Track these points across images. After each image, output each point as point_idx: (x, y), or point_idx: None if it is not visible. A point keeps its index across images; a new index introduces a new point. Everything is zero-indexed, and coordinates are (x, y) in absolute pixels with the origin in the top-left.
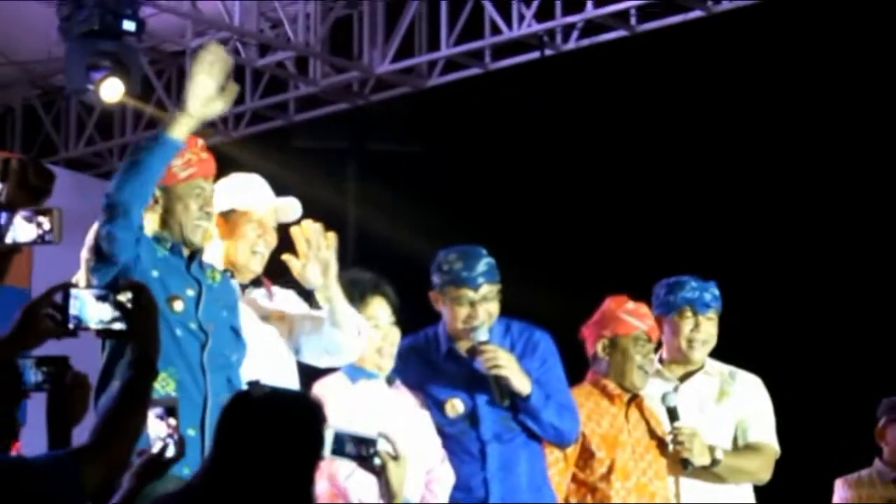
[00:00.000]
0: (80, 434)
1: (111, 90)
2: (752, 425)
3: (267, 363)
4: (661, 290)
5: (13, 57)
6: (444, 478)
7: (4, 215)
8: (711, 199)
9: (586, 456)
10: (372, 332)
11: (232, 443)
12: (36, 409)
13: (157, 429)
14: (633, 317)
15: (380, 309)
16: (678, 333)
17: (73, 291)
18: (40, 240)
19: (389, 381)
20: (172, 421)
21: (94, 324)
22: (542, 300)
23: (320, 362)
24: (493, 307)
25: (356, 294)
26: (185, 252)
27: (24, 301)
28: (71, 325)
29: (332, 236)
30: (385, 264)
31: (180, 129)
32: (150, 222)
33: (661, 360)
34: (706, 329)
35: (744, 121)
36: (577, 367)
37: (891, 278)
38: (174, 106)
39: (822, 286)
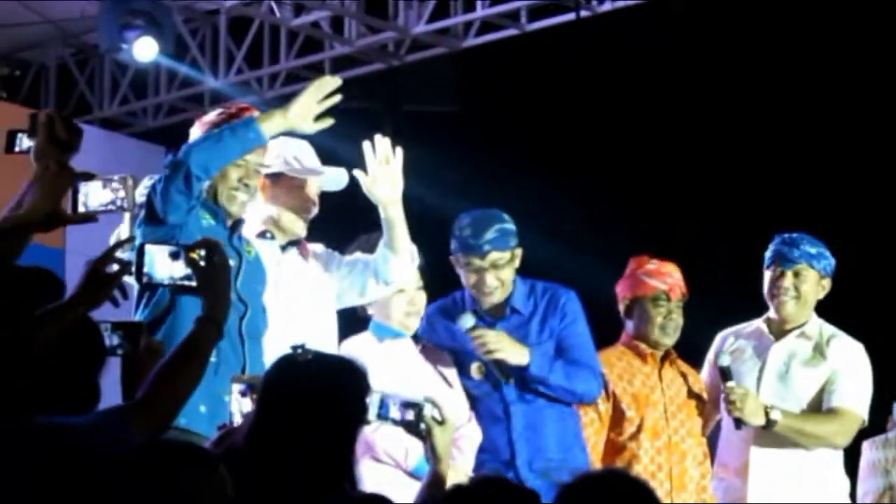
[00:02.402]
0: None
1: (145, 49)
2: (837, 390)
3: (302, 324)
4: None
5: (47, 15)
6: (472, 435)
7: (80, 184)
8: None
9: (617, 415)
10: (399, 296)
11: (275, 407)
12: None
13: (239, 404)
14: (652, 276)
15: None
16: (768, 286)
17: (146, 247)
18: (114, 206)
19: (416, 340)
20: (255, 397)
21: (165, 280)
22: (572, 261)
23: (366, 295)
24: (505, 273)
25: None
26: (229, 223)
27: (56, 261)
28: (143, 281)
29: (399, 152)
30: (418, 226)
31: (271, 125)
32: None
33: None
34: (789, 283)
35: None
36: None
37: None
38: (208, 65)
39: None
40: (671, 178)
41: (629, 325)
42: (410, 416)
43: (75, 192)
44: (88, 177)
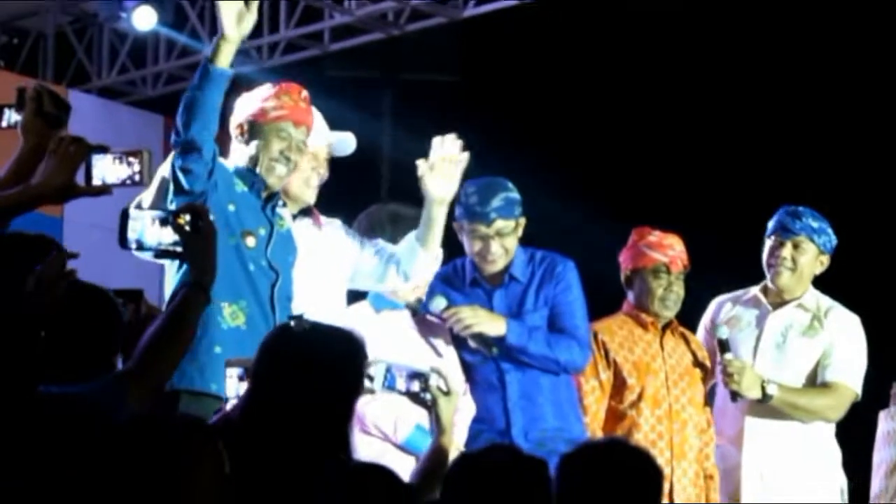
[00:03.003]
0: None
1: (144, 18)
2: (832, 364)
3: (310, 293)
4: None
5: None
6: (465, 409)
7: (94, 156)
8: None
9: (618, 383)
10: None
11: (271, 377)
12: None
13: (235, 388)
14: (653, 248)
15: None
16: (767, 255)
17: (132, 213)
18: (130, 181)
19: (414, 311)
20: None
21: (153, 245)
22: (573, 230)
23: (383, 283)
24: (509, 242)
25: (399, 229)
26: (264, 193)
27: (56, 230)
28: (132, 247)
29: (466, 156)
30: (419, 195)
31: (223, 56)
32: (237, 155)
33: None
34: (788, 253)
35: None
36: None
37: None
38: (208, 34)
39: None
40: (675, 147)
41: (630, 296)
42: (416, 386)
43: (89, 165)
44: (103, 149)
